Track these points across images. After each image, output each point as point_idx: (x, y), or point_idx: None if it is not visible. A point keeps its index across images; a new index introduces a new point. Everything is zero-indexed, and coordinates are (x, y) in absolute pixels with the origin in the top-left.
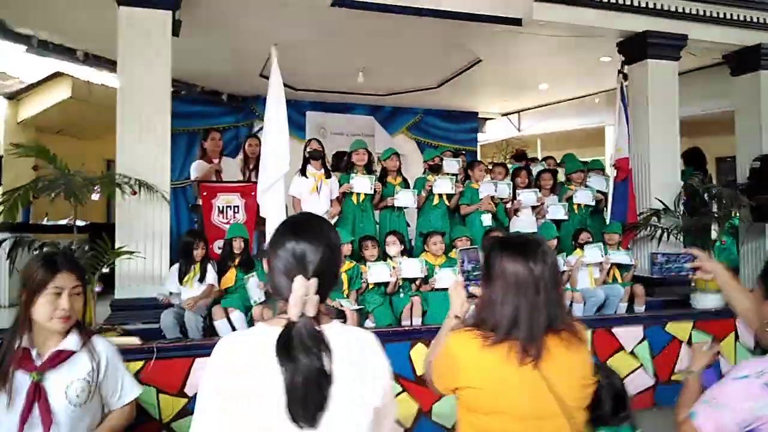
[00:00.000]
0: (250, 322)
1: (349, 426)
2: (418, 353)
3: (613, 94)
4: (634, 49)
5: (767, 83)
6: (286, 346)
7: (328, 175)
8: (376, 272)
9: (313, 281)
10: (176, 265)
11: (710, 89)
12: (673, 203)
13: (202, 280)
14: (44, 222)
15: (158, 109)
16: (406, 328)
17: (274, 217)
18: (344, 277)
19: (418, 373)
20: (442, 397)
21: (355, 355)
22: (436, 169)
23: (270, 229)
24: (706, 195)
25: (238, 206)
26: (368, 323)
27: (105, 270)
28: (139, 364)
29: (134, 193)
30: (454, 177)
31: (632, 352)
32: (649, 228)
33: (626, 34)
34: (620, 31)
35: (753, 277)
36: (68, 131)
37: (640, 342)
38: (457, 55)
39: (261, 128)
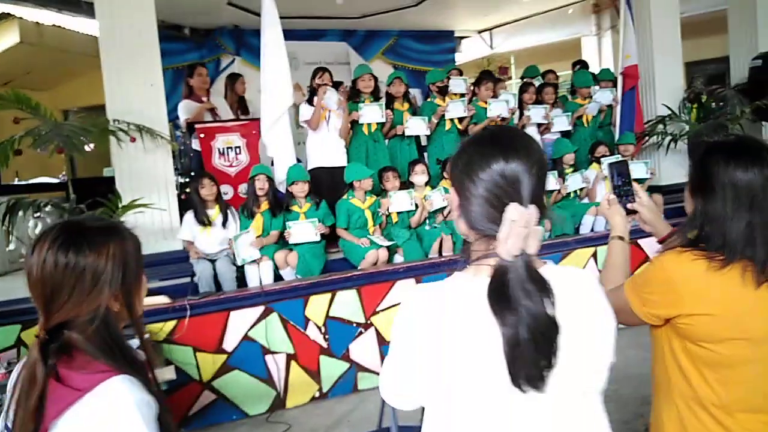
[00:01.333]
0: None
1: (583, 389)
2: None
3: (587, 5)
4: None
5: None
6: (502, 294)
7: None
8: (397, 201)
9: (533, 209)
10: (189, 213)
11: None
12: (678, 109)
13: (225, 224)
14: (16, 182)
15: (147, 45)
16: (442, 260)
17: (282, 156)
18: (368, 213)
19: None
20: None
21: (580, 301)
22: (443, 91)
23: (279, 170)
24: (711, 99)
25: (239, 147)
26: (398, 258)
27: None
28: (172, 323)
29: (133, 139)
30: (464, 98)
31: None
32: (657, 136)
33: None
34: None
35: None
36: (18, 82)
37: None
38: None
39: (230, 63)
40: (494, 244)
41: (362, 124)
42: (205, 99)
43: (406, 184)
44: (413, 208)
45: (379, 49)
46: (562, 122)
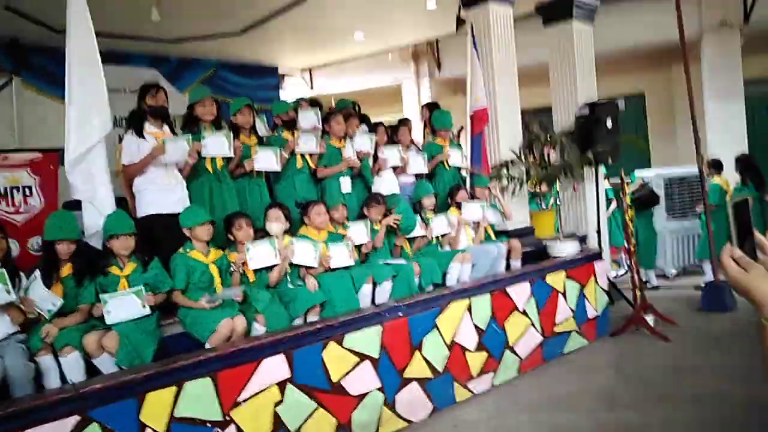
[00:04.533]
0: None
1: None
2: (332, 355)
3: (406, 52)
4: None
5: (578, 33)
6: None
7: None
8: (259, 255)
9: None
10: None
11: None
12: (518, 153)
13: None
14: None
15: None
16: (315, 327)
17: (95, 196)
18: (213, 269)
19: (334, 379)
20: (359, 404)
21: None
22: (291, 124)
23: (90, 218)
24: (548, 145)
25: (30, 187)
26: (257, 328)
27: None
28: None
29: None
30: (317, 132)
31: (524, 311)
32: (502, 180)
33: None
34: None
35: (575, 220)
36: None
37: (529, 299)
38: None
39: (6, 84)
40: None
41: (204, 159)
42: None
43: (259, 233)
44: (278, 262)
45: (196, 80)
46: (417, 164)
